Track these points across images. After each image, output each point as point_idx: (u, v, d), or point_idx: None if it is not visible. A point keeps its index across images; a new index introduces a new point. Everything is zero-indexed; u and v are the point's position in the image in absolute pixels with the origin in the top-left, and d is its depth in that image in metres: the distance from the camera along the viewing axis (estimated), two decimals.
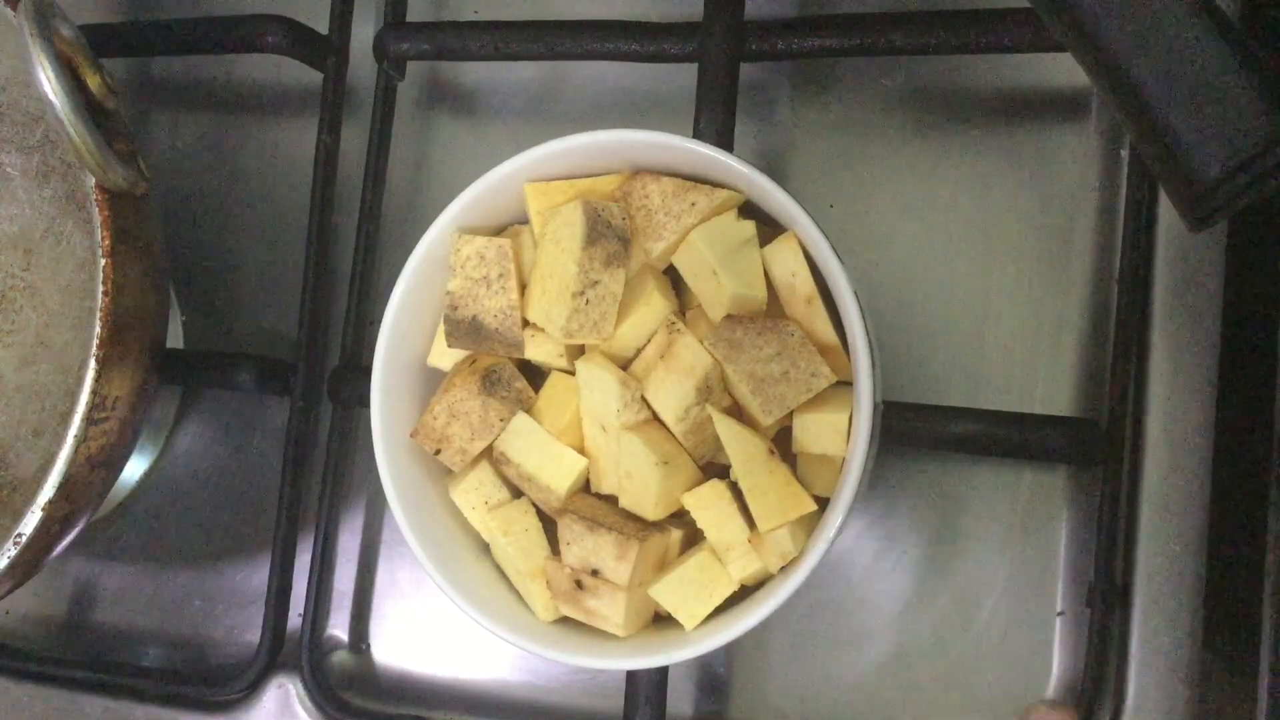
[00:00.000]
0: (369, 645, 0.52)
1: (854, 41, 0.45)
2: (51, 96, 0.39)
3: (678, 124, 0.47)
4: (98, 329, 0.41)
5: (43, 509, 0.41)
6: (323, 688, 0.50)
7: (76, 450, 0.41)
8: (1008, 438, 0.43)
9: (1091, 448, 0.42)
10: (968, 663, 0.45)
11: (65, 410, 0.49)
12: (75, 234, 0.51)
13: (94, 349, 0.41)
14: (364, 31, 0.53)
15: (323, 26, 0.52)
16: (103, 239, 0.41)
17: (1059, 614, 0.45)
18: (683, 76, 0.48)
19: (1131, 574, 0.43)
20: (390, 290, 0.39)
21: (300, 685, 0.51)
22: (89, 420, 0.41)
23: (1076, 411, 0.45)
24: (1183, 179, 0.29)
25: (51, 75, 0.39)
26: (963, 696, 0.45)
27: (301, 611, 0.51)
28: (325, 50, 0.52)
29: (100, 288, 0.41)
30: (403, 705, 0.50)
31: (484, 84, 0.54)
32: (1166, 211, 0.43)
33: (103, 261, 0.41)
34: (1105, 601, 0.43)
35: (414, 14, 0.52)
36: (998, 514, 0.46)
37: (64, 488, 0.41)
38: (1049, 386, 0.46)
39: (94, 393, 0.41)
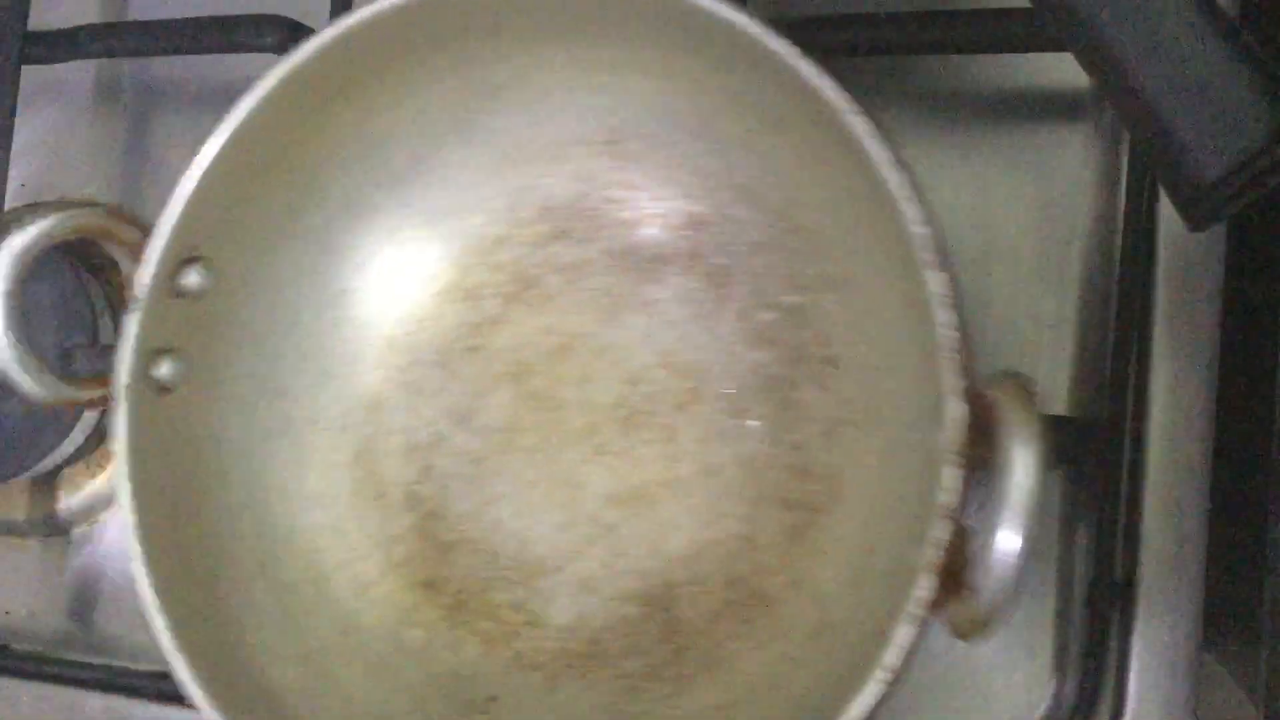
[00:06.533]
0: None
1: (854, 41, 0.45)
2: None
3: None
4: None
5: None
6: None
7: None
8: None
9: (1091, 448, 0.42)
10: (967, 664, 0.45)
11: None
12: None
13: None
14: None
15: (322, 26, 0.52)
16: None
17: (1059, 614, 0.45)
18: None
19: (1132, 574, 0.42)
20: None
21: None
22: None
23: (1076, 411, 0.45)
24: (1183, 179, 0.29)
25: None
26: (962, 698, 0.45)
27: None
28: None
29: None
30: None
31: None
32: (1166, 211, 0.43)
33: None
34: (1105, 601, 0.42)
35: None
36: None
37: None
38: (1049, 386, 0.46)
39: None
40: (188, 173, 0.40)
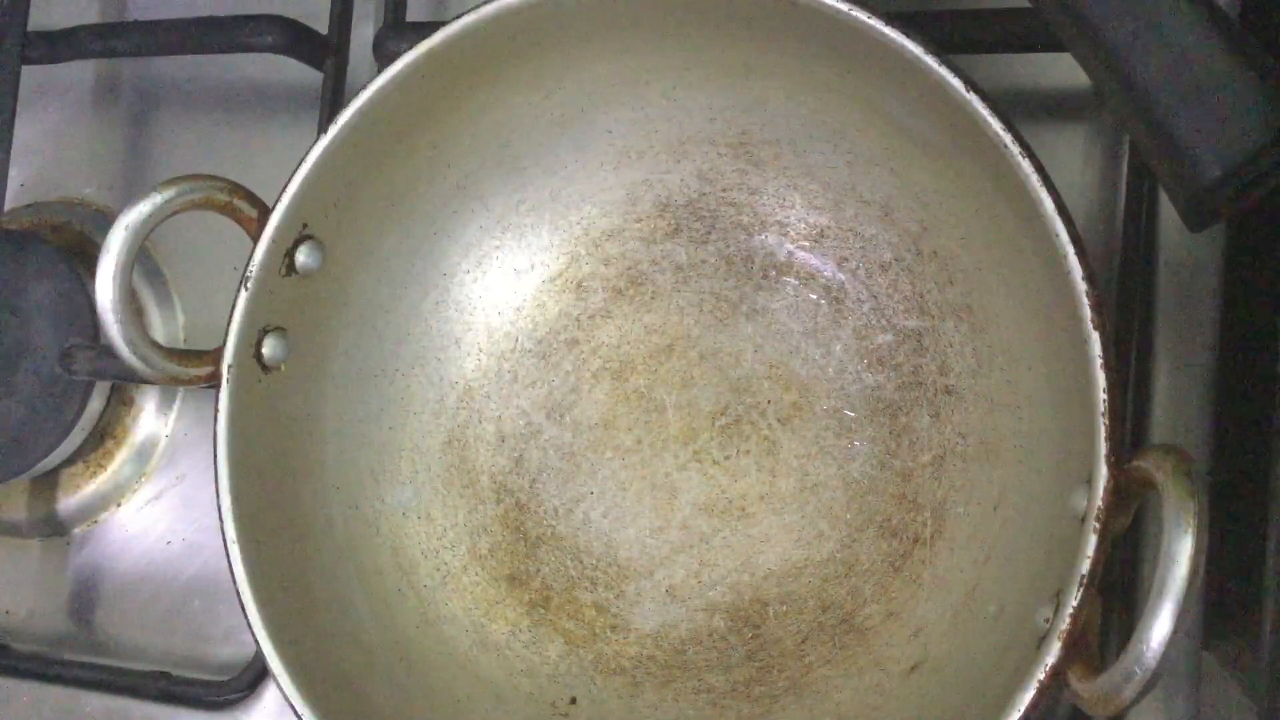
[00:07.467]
0: None
1: None
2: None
3: None
4: None
5: None
6: None
7: None
8: None
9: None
10: None
11: None
12: None
13: None
14: (364, 31, 0.53)
15: (322, 26, 0.52)
16: None
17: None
18: None
19: (1132, 574, 0.42)
20: None
21: None
22: None
23: None
24: (1183, 179, 0.29)
25: None
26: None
27: None
28: (325, 50, 0.52)
29: None
30: None
31: None
32: (1166, 211, 0.43)
33: None
34: (1106, 601, 0.42)
35: (414, 14, 0.52)
36: None
37: None
38: None
39: None
40: (310, 151, 0.39)
